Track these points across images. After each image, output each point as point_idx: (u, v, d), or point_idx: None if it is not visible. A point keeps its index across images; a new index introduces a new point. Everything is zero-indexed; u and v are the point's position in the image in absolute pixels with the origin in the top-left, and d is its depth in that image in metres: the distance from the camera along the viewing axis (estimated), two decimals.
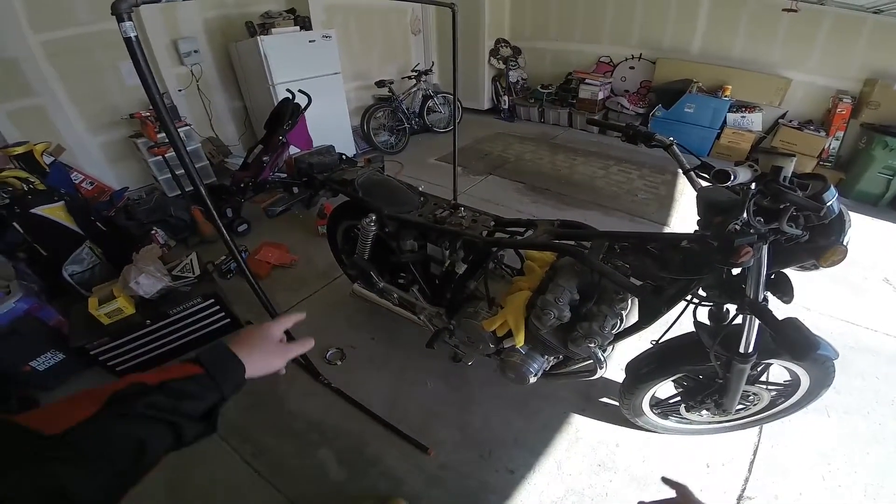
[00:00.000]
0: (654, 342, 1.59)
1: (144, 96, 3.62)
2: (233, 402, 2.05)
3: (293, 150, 3.76)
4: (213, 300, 2.28)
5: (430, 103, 5.70)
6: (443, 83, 6.39)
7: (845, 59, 4.43)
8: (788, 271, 1.22)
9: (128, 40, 1.04)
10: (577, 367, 1.69)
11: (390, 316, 2.22)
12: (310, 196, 3.66)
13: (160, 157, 3.53)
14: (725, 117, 4.91)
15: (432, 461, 1.81)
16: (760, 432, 1.87)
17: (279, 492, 1.70)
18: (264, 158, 3.40)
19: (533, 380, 1.64)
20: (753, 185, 1.02)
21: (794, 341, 1.05)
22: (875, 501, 1.64)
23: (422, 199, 1.92)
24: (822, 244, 1.09)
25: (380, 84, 5.27)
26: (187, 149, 1.31)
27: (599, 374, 1.59)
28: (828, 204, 1.02)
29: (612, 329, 1.39)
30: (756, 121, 4.88)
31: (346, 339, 2.41)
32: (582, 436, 1.91)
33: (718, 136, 5.00)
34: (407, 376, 2.19)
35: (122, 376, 2.10)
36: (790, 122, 4.74)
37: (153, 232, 3.15)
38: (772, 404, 1.66)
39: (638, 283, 1.33)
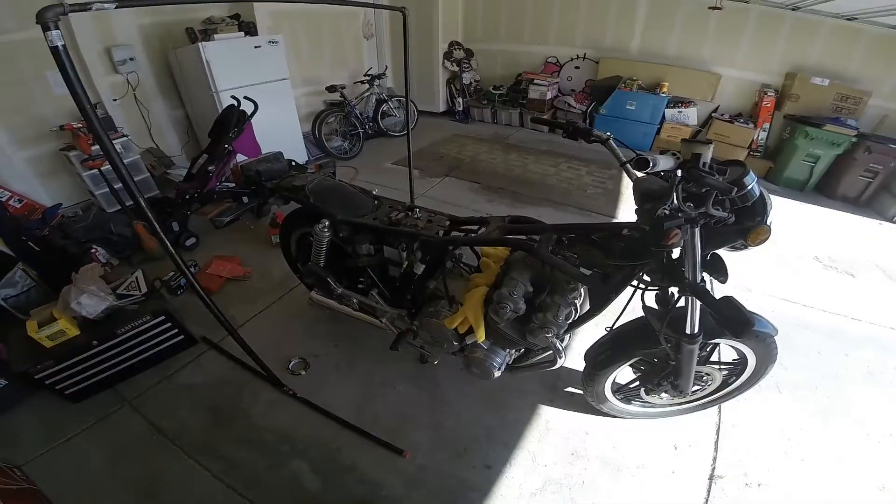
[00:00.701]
0: (608, 329, 1.66)
1: (75, 107, 3.40)
2: (196, 419, 1.93)
3: (240, 158, 3.64)
4: (163, 317, 2.18)
5: (384, 107, 5.68)
6: (397, 87, 6.37)
7: (768, 55, 4.81)
8: (722, 252, 1.32)
9: (54, 49, 0.99)
10: (538, 358, 1.74)
11: (352, 322, 2.20)
12: (259, 205, 3.55)
13: (96, 170, 3.31)
14: (664, 113, 5.20)
15: (409, 463, 1.80)
16: (720, 412, 1.98)
17: None
18: (210, 168, 3.26)
19: (497, 373, 1.68)
20: (679, 173, 1.09)
21: (731, 318, 1.13)
22: (838, 471, 1.76)
23: (376, 202, 1.91)
24: (749, 225, 1.19)
25: (331, 89, 5.19)
26: (125, 161, 1.25)
27: (559, 363, 1.64)
28: (748, 187, 1.11)
29: (567, 318, 1.44)
30: (692, 115, 5.20)
31: (309, 348, 2.36)
32: (552, 426, 1.96)
33: (659, 131, 5.28)
34: (374, 381, 2.17)
35: (73, 399, 1.95)
36: (722, 115, 5.09)
37: (93, 251, 2.95)
38: (725, 383, 1.77)
39: (587, 271, 1.40)
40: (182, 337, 2.31)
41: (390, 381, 2.17)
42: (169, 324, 2.22)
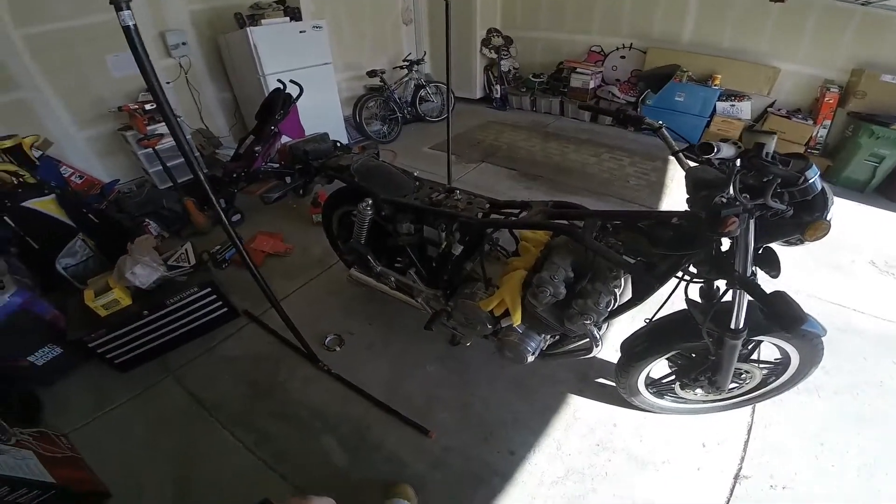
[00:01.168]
0: (647, 320, 1.62)
1: (131, 89, 3.57)
2: (234, 392, 1.96)
3: (285, 139, 3.74)
4: (209, 289, 2.28)
5: (422, 93, 5.70)
6: (435, 72, 6.36)
7: (833, 50, 4.47)
8: (775, 247, 1.26)
9: (126, 29, 1.05)
10: (573, 345, 1.73)
11: (387, 301, 2.24)
12: (304, 183, 3.65)
13: (150, 149, 3.49)
14: (715, 106, 4.96)
15: (435, 444, 1.84)
16: (753, 412, 1.91)
17: (284, 479, 1.72)
18: (256, 149, 3.38)
19: (531, 358, 1.68)
20: (738, 163, 1.05)
21: (783, 313, 1.09)
22: (868, 482, 1.67)
23: (417, 183, 1.94)
24: (807, 219, 1.13)
25: (371, 74, 5.24)
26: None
27: (595, 352, 1.62)
28: (810, 180, 1.06)
29: (607, 306, 1.42)
30: (745, 109, 4.93)
31: (344, 325, 2.43)
32: (580, 416, 1.94)
33: (708, 124, 5.04)
34: (406, 360, 2.22)
35: (121, 368, 2.08)
36: (778, 110, 4.80)
37: (145, 224, 3.14)
38: (763, 383, 1.70)
39: (631, 260, 1.37)
40: (226, 309, 2.41)
41: (421, 361, 2.20)
42: (214, 296, 2.33)
